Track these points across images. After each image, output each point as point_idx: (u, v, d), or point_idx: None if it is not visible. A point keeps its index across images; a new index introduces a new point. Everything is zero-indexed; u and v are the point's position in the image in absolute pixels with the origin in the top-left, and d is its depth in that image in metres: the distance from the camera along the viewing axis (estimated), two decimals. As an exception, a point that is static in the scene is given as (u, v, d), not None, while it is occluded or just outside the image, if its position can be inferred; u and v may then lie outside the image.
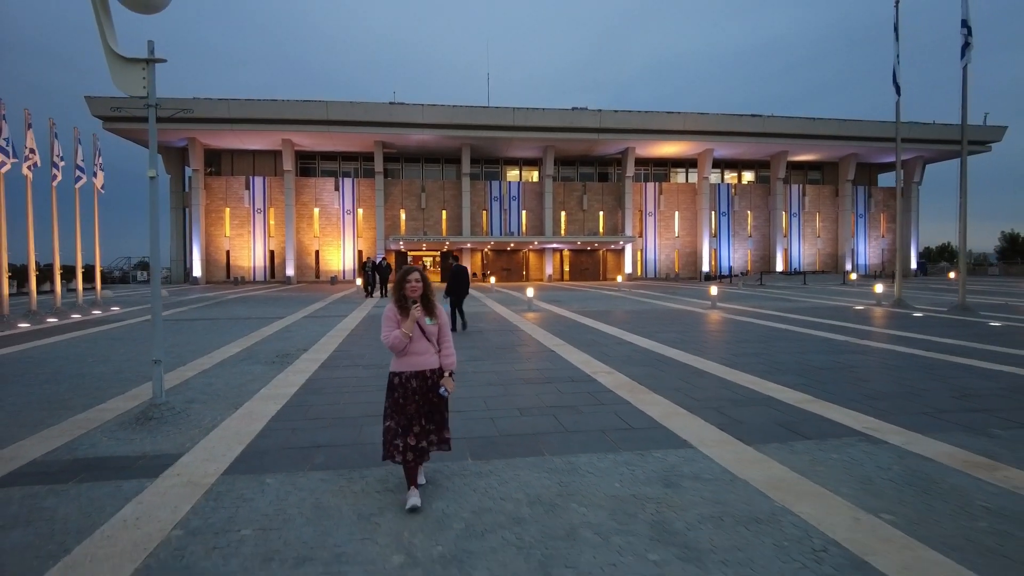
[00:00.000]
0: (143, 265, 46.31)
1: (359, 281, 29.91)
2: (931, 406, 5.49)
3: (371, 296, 22.34)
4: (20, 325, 12.35)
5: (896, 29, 16.41)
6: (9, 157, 11.98)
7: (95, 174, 15.98)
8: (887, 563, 2.66)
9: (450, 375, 3.47)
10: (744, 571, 2.60)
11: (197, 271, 35.21)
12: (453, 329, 11.11)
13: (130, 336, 11.05)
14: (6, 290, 12.82)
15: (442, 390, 3.41)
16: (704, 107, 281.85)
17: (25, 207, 13.48)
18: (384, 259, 25.11)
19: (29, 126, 13.43)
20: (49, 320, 13.39)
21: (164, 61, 5.09)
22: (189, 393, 6.19)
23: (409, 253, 39.11)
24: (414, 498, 3.28)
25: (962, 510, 3.24)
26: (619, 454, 4.17)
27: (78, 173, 15.10)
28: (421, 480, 3.53)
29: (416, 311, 3.37)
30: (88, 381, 6.89)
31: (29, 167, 13.37)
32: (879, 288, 18.27)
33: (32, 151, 13.45)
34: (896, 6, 16.42)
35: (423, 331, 3.43)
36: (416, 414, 3.38)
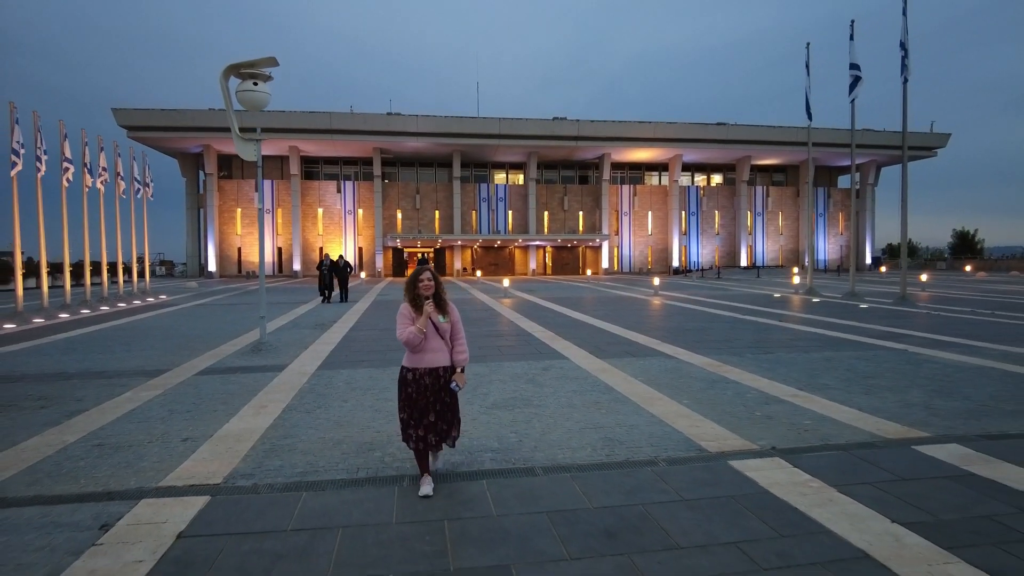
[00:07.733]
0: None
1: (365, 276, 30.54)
2: (730, 346, 9.04)
3: (328, 302, 17.77)
4: (102, 308, 15.76)
5: (807, 66, 20.04)
6: (95, 177, 15.37)
7: (147, 184, 19.37)
8: (625, 391, 6.18)
9: (462, 371, 3.59)
10: (559, 389, 6.16)
11: (212, 266, 38.53)
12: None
13: (194, 315, 14.49)
14: (88, 281, 16.31)
15: (453, 385, 3.53)
16: (687, 101, 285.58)
17: (93, 215, 16.89)
18: (343, 257, 19.80)
19: (101, 149, 16.84)
20: (119, 304, 16.81)
21: (265, 139, 8.58)
22: (270, 342, 9.68)
23: (405, 249, 42.60)
24: (426, 487, 3.45)
25: (681, 379, 6.78)
26: (526, 361, 7.75)
27: (136, 185, 18.47)
28: (436, 465, 3.77)
29: (429, 307, 3.45)
30: (193, 339, 10.35)
31: (102, 182, 16.79)
32: (796, 279, 22.00)
33: (104, 169, 16.86)
34: (807, 47, 20.03)
35: (436, 328, 3.51)
36: (427, 408, 3.49)
